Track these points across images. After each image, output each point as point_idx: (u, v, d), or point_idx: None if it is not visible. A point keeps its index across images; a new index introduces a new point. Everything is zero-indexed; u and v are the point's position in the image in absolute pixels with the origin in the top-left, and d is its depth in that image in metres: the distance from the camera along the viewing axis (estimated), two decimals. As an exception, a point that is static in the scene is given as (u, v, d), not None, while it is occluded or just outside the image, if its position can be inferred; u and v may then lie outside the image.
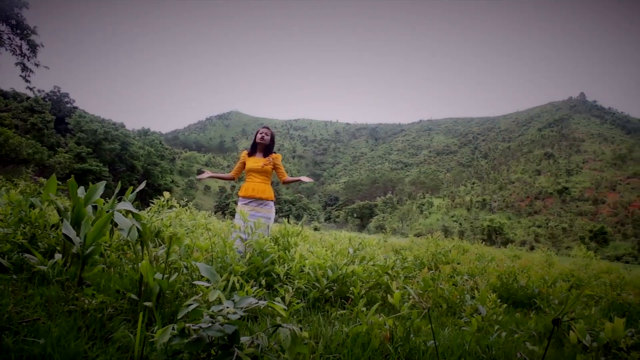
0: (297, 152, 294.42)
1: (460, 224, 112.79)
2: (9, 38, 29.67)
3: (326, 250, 4.38)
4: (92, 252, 2.98)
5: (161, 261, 2.95)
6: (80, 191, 4.11)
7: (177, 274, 2.89)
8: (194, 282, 2.52)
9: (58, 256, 3.64)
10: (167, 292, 2.81)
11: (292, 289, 3.57)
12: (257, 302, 2.00)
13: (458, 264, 6.73)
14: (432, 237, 8.08)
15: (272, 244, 4.38)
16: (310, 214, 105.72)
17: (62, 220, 3.29)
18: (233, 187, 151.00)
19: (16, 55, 29.82)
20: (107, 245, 4.29)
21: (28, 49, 29.84)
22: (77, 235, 3.12)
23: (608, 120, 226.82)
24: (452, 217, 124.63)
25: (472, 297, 4.32)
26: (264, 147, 6.13)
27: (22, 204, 4.54)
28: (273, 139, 6.22)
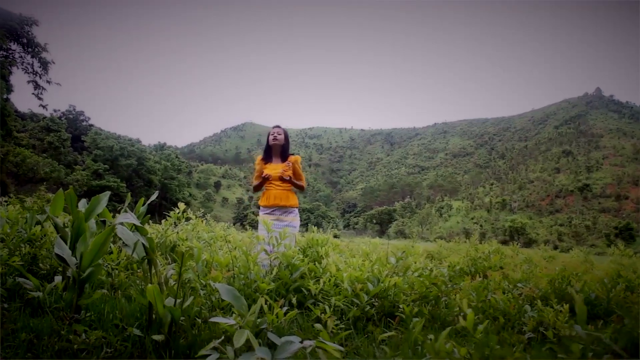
0: (313, 161, 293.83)
1: (481, 225, 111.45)
2: (21, 57, 29.70)
3: (363, 260, 3.85)
4: (91, 275, 2.47)
5: (174, 282, 2.45)
6: (82, 204, 3.64)
7: (192, 297, 2.38)
8: (212, 319, 1.99)
9: (58, 279, 3.16)
10: (181, 320, 2.31)
11: (330, 307, 3.04)
12: (302, 343, 1.48)
13: (501, 268, 6.15)
14: (468, 240, 7.52)
15: (301, 256, 3.85)
16: (328, 222, 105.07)
17: (57, 238, 2.80)
18: (251, 197, 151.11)
19: (28, 73, 29.83)
20: (115, 263, 3.82)
21: (39, 67, 29.83)
22: (74, 255, 2.62)
23: (626, 114, 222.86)
24: (472, 219, 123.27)
25: (533, 308, 3.73)
26: (279, 148, 5.52)
27: (20, 222, 4.10)
28: (287, 138, 5.61)
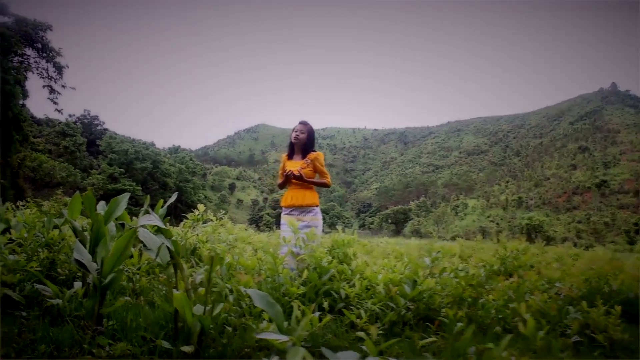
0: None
1: (497, 223, 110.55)
2: (36, 62, 29.94)
3: (397, 262, 3.66)
4: (113, 281, 2.32)
5: (201, 287, 2.28)
6: (101, 206, 3.50)
7: (221, 303, 2.22)
8: (261, 335, 1.81)
9: (77, 285, 3.02)
10: (210, 328, 2.14)
11: (365, 312, 2.86)
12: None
13: (531, 267, 5.92)
14: (498, 239, 7.27)
15: (329, 257, 3.66)
16: (344, 222, 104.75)
17: (75, 242, 2.65)
18: (265, 199, 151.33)
19: (43, 78, 30.05)
20: (137, 268, 3.67)
21: (54, 71, 30.05)
22: (94, 260, 2.47)
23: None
24: (489, 217, 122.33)
25: (575, 308, 3.51)
26: (300, 147, 5.30)
27: (38, 226, 3.97)
28: (311, 135, 5.37)
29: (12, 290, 3.02)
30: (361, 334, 1.90)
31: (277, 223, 5.25)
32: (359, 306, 3.13)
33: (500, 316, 3.42)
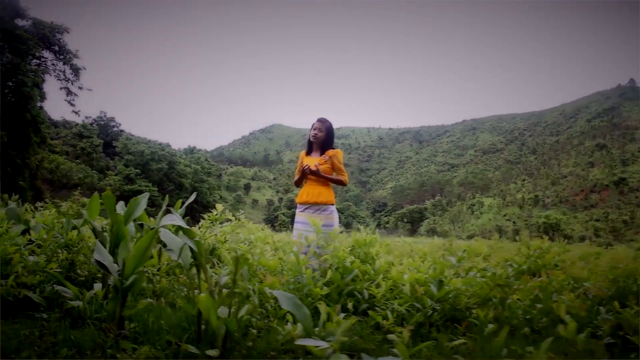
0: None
1: (514, 222, 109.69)
2: (53, 64, 30.30)
3: (422, 261, 3.56)
4: (135, 283, 2.26)
5: (224, 289, 2.22)
6: (120, 207, 3.46)
7: (246, 305, 2.15)
8: (299, 342, 1.74)
9: (97, 286, 2.97)
10: (234, 331, 2.08)
11: (392, 313, 2.77)
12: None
13: (555, 266, 5.79)
14: (515, 238, 7.16)
15: (352, 257, 3.58)
16: (359, 222, 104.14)
17: (96, 243, 2.60)
18: (281, 199, 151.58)
19: (60, 80, 30.40)
20: (156, 269, 3.62)
21: (71, 73, 30.39)
22: (115, 261, 2.42)
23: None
24: (505, 216, 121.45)
25: (606, 309, 3.39)
26: (319, 145, 5.20)
27: (58, 226, 3.93)
28: (330, 132, 5.25)
29: (33, 292, 3.00)
30: (392, 336, 1.82)
31: (293, 223, 5.09)
32: (384, 307, 3.05)
33: (528, 317, 3.32)
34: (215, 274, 2.66)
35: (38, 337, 2.36)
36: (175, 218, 2.18)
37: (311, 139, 5.22)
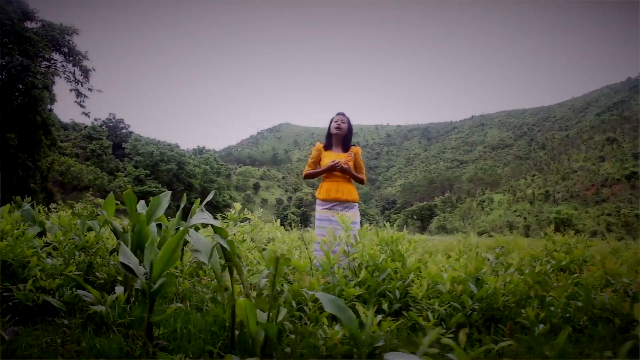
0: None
1: (524, 218, 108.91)
2: (62, 66, 30.32)
3: (457, 259, 3.40)
4: (162, 286, 2.11)
5: (263, 292, 2.06)
6: (140, 206, 3.32)
7: (285, 309, 2.00)
8: (388, 357, 1.59)
9: (119, 290, 2.83)
10: (274, 337, 1.93)
11: (433, 315, 2.61)
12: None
13: (585, 261, 5.61)
14: (545, 233, 6.94)
15: (384, 256, 3.42)
16: (369, 219, 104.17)
17: (120, 244, 2.45)
18: (290, 198, 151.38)
19: (70, 82, 30.42)
20: (179, 270, 3.48)
21: (81, 75, 30.40)
22: (141, 263, 2.27)
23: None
24: (515, 211, 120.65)
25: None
26: (341, 138, 5.06)
27: (74, 228, 3.80)
28: (350, 127, 5.15)
29: (52, 296, 2.86)
30: (447, 340, 1.67)
31: (302, 221, 4.94)
32: (420, 307, 2.89)
33: (567, 315, 3.15)
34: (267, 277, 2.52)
35: (60, 345, 2.23)
36: (207, 217, 2.04)
37: (334, 132, 5.05)
